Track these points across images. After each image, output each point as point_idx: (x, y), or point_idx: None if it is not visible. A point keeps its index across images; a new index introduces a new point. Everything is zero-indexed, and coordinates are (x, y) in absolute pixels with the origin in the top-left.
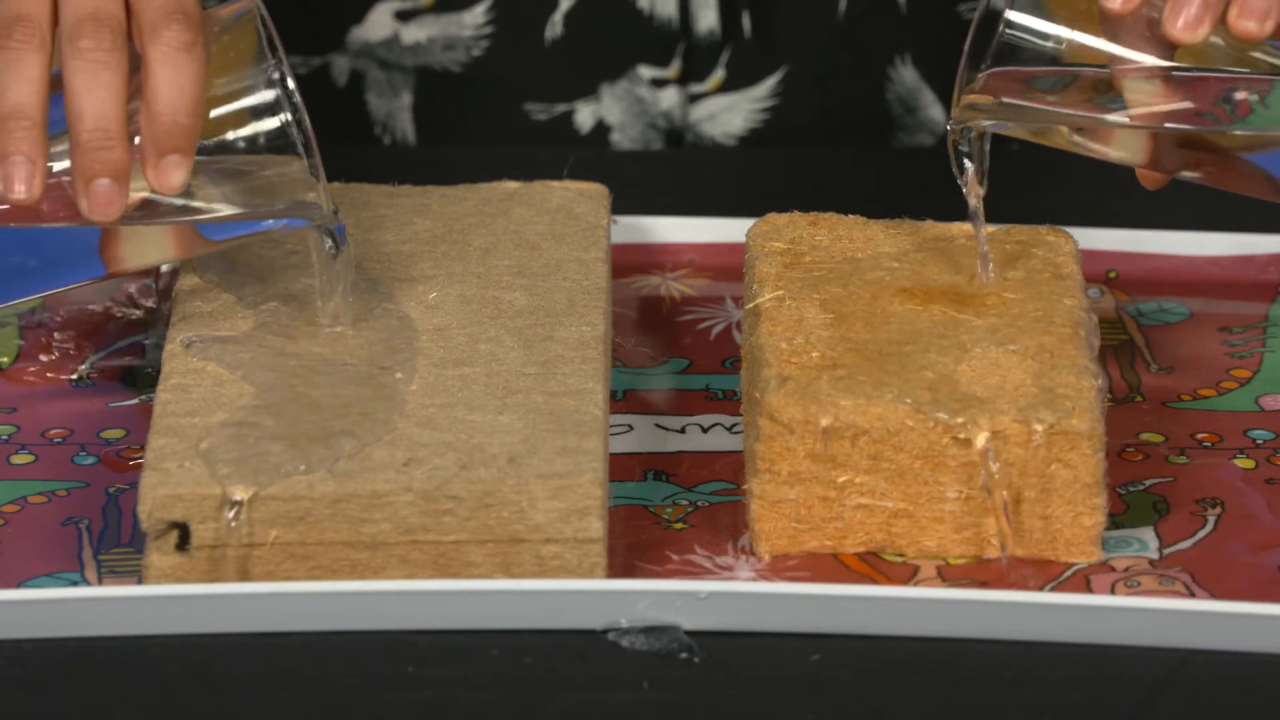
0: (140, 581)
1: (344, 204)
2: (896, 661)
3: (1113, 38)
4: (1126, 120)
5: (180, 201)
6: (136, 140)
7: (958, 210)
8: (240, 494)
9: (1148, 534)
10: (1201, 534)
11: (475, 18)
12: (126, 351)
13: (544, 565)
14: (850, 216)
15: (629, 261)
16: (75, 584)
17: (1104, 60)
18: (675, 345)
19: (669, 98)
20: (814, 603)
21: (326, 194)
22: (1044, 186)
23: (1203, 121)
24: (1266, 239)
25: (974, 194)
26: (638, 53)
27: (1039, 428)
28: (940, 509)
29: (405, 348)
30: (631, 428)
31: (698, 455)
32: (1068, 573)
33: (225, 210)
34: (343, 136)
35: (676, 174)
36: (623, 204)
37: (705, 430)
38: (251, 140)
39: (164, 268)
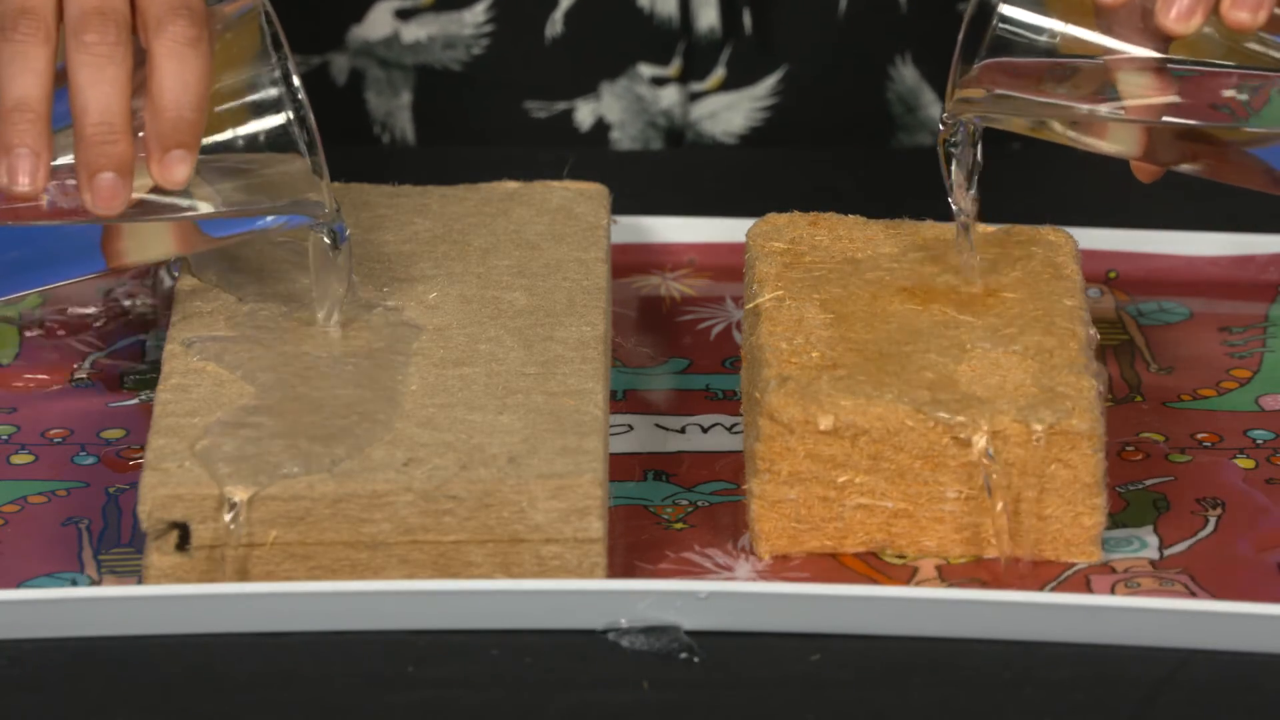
0: (140, 581)
1: (344, 204)
2: (896, 661)
3: (1106, 30)
4: (1122, 114)
5: (184, 201)
6: (139, 135)
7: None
8: (239, 494)
9: (1148, 533)
10: (1202, 534)
11: (475, 16)
12: (126, 351)
13: (544, 565)
14: (850, 216)
15: (629, 261)
16: (75, 584)
17: (1098, 53)
18: (675, 345)
19: (669, 96)
20: (814, 603)
21: (329, 192)
22: (1044, 186)
23: (1199, 116)
24: (1266, 239)
25: (960, 201)
26: (638, 51)
27: (1039, 428)
28: (940, 509)
29: (406, 348)
30: (631, 428)
31: (698, 455)
32: (1068, 573)
33: (227, 207)
34: (342, 136)
35: (676, 174)
36: (623, 204)
37: (705, 430)
38: (255, 137)
39: (163, 269)
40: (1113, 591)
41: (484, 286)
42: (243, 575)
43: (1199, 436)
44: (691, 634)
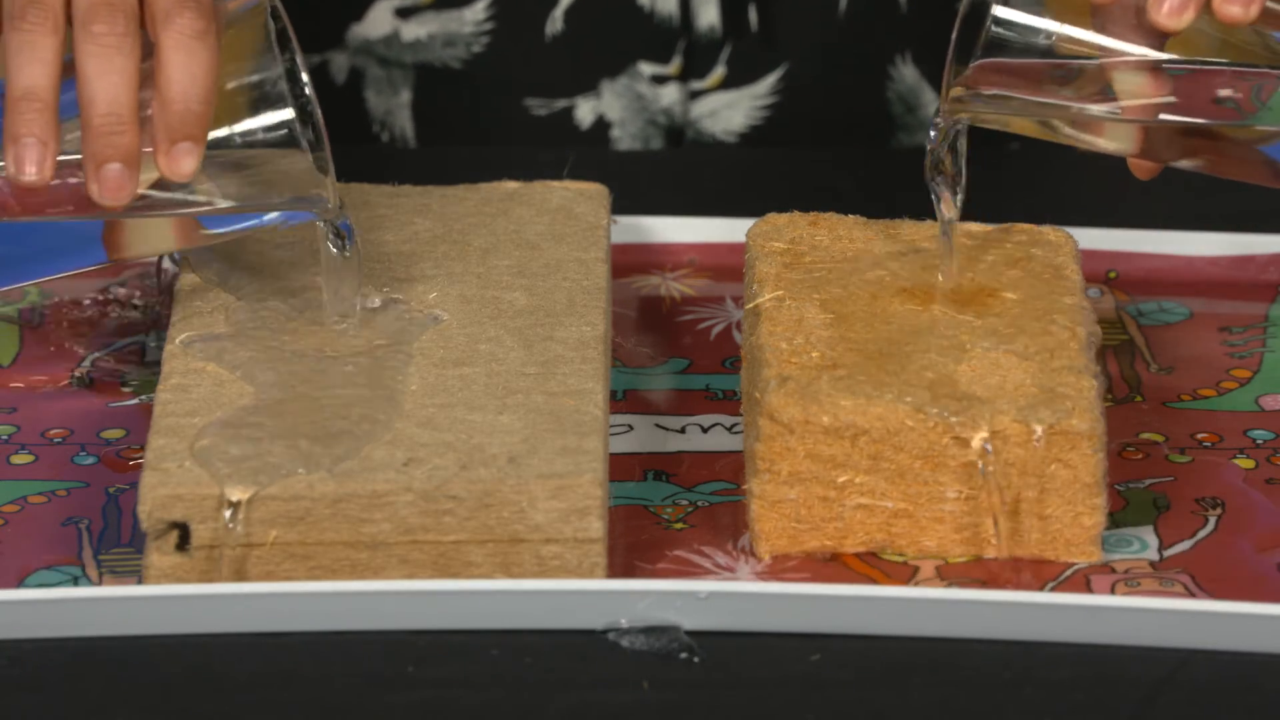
0: (140, 581)
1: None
2: (896, 661)
3: (1101, 29)
4: (1119, 113)
5: (188, 195)
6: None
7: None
8: (239, 494)
9: (1148, 533)
10: (1202, 534)
11: (475, 14)
12: (126, 351)
13: (544, 565)
14: (850, 216)
15: (629, 261)
16: (76, 579)
17: (1094, 52)
18: (675, 345)
19: (669, 94)
20: (814, 603)
21: (334, 187)
22: (1044, 186)
23: (1198, 114)
24: (1266, 239)
25: (947, 206)
26: (638, 49)
27: (1039, 428)
28: (940, 509)
29: (410, 345)
30: (631, 428)
31: (698, 455)
32: (1068, 573)
33: (230, 202)
34: (341, 135)
35: (676, 174)
36: (623, 204)
37: (705, 430)
38: (261, 132)
39: (166, 262)
40: (1113, 591)
41: (484, 286)
42: (242, 575)
43: (1199, 436)
44: (691, 634)
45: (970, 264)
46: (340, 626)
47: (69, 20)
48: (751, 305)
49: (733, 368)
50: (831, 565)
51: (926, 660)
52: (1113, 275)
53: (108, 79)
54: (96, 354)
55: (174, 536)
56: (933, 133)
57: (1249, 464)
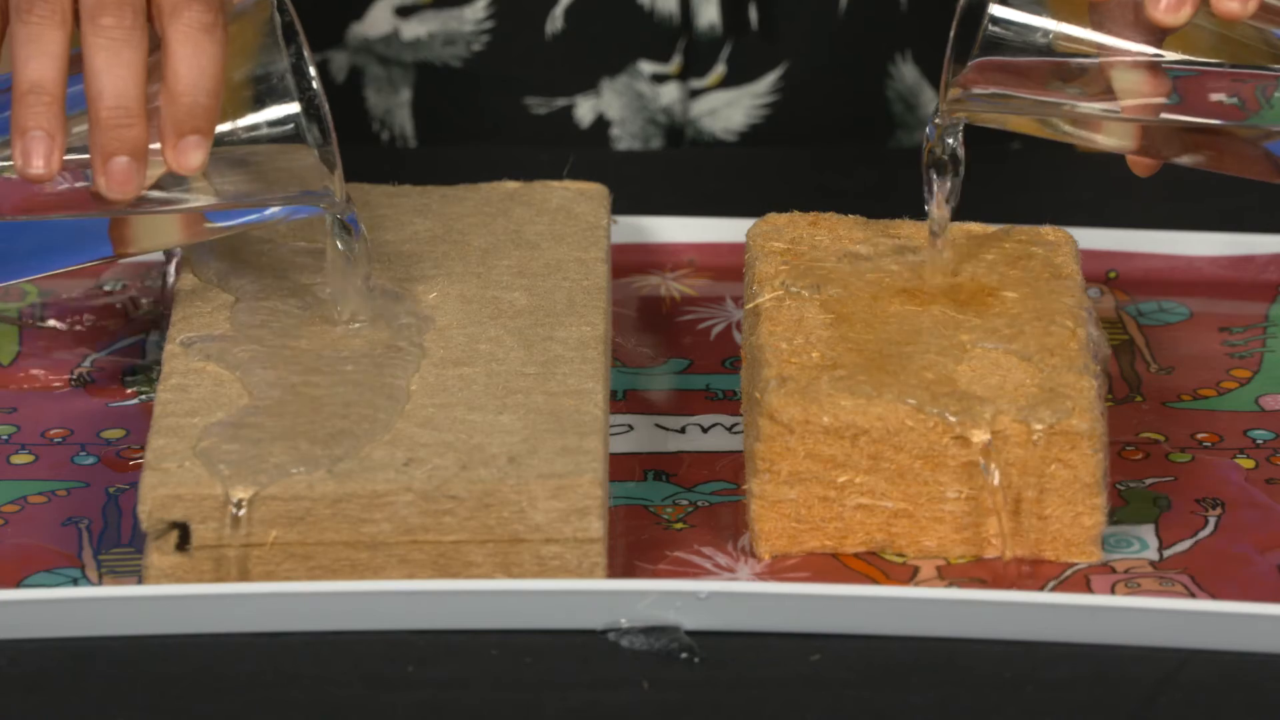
0: (140, 581)
1: None
2: (896, 661)
3: (1099, 26)
4: (1118, 111)
5: (191, 192)
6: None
7: (957, 210)
8: (240, 494)
9: (1148, 533)
10: (1202, 534)
11: (475, 12)
12: (126, 351)
13: (544, 565)
14: (850, 216)
15: (629, 261)
16: (76, 581)
17: (1093, 50)
18: (675, 345)
19: (669, 93)
20: (814, 603)
21: (341, 181)
22: (1044, 186)
23: (1199, 112)
24: (1266, 239)
25: (939, 207)
26: (638, 48)
27: (1039, 427)
28: (940, 509)
29: (410, 346)
30: (631, 428)
31: (698, 455)
32: (1068, 572)
33: (236, 198)
34: (341, 133)
35: (676, 174)
36: (623, 204)
37: (705, 430)
38: (267, 126)
39: (169, 270)
40: (1113, 591)
41: (484, 286)
42: (243, 575)
43: (1199, 436)
44: (691, 634)
45: (970, 264)
46: (340, 626)
47: (76, 14)
48: (751, 305)
49: (733, 368)
50: (831, 565)
51: (926, 660)
52: (1113, 275)
53: (115, 72)
54: (96, 354)
55: (174, 536)
56: (930, 130)
57: (1249, 464)
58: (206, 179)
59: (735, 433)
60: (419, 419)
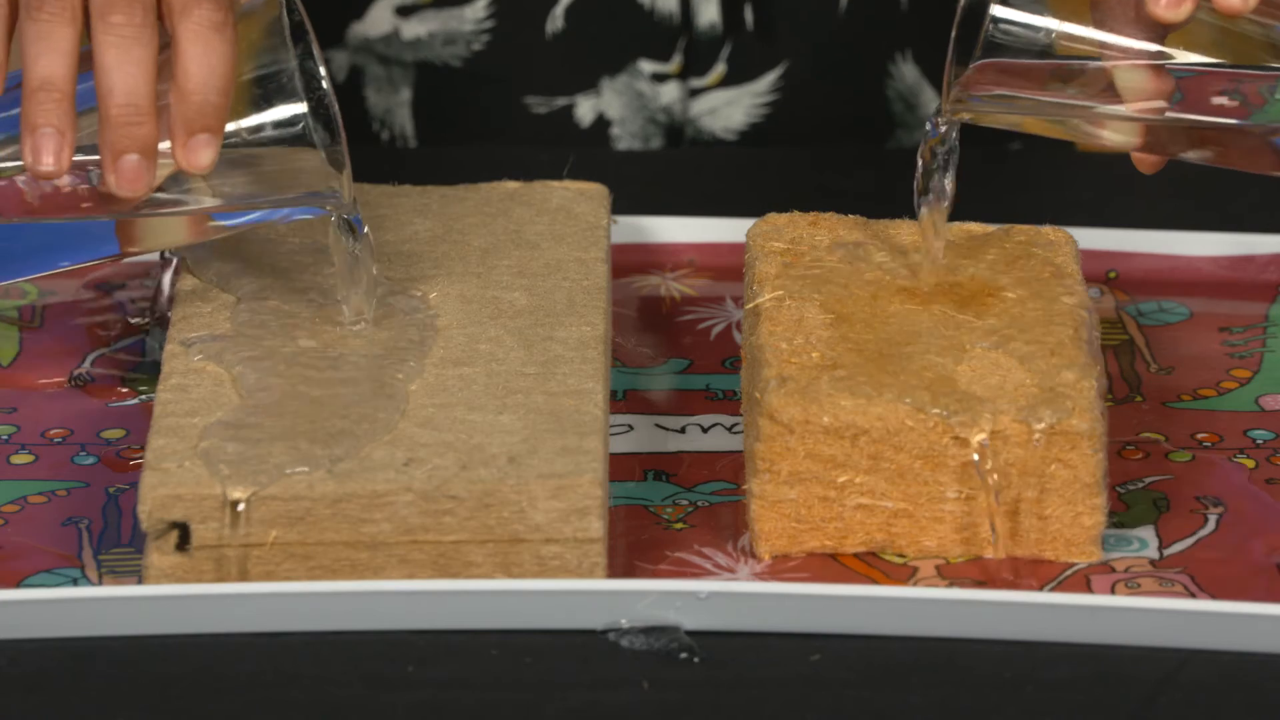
0: (140, 581)
1: None
2: (896, 661)
3: (1101, 24)
4: (1122, 110)
5: (198, 192)
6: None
7: (957, 210)
8: (240, 494)
9: (1148, 533)
10: (1202, 534)
11: (476, 12)
12: (127, 351)
13: (544, 565)
14: (850, 216)
15: (629, 261)
16: (76, 581)
17: (1096, 50)
18: (675, 345)
19: (669, 92)
20: (814, 603)
21: (349, 182)
22: (1044, 186)
23: (1203, 110)
24: (1266, 239)
25: (934, 208)
26: (638, 47)
27: (1039, 427)
28: (940, 509)
29: (413, 346)
30: (631, 428)
31: (698, 455)
32: (1068, 573)
33: (243, 199)
34: None
35: (676, 174)
36: (623, 204)
37: (705, 430)
38: (276, 125)
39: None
40: (1113, 591)
41: (484, 286)
42: (243, 575)
43: (1199, 436)
44: (691, 634)
45: (970, 264)
46: (340, 626)
47: (86, 11)
48: (751, 305)
49: (733, 368)
50: (831, 565)
51: (926, 660)
52: (1113, 275)
53: (125, 69)
54: (96, 354)
55: (174, 536)
56: (929, 127)
57: (1249, 464)
58: (216, 178)
59: (735, 433)
60: (419, 419)
